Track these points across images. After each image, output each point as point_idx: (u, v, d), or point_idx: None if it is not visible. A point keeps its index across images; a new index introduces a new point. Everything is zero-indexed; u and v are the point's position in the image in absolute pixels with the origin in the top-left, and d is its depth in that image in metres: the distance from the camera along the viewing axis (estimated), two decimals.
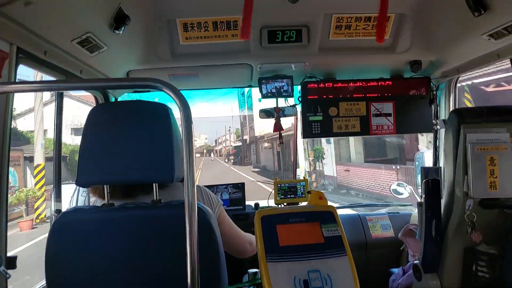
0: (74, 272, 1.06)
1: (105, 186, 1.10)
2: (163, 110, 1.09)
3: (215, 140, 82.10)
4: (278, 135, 2.42)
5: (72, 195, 1.55)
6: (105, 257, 1.07)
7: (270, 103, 2.36)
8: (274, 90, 2.28)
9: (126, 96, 2.42)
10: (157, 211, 1.09)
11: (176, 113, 0.95)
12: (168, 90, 0.86)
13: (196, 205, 0.86)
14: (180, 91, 0.88)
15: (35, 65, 1.39)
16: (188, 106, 0.87)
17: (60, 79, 1.55)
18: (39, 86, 0.94)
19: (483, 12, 1.45)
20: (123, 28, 1.50)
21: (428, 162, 2.48)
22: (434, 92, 2.35)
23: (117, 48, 1.71)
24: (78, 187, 1.63)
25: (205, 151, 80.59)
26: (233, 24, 1.82)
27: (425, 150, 2.60)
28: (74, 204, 1.60)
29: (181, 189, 1.24)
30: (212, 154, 75.41)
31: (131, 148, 1.05)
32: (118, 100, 2.29)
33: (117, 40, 1.61)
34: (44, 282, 1.07)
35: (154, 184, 1.08)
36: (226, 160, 43.40)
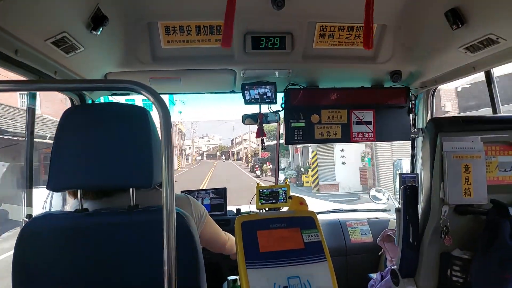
0: (44, 282, 1.01)
1: (78, 190, 1.06)
2: (142, 113, 1.06)
3: (231, 141, 75.75)
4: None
5: (45, 200, 1.49)
6: (77, 266, 1.02)
7: (253, 108, 2.38)
8: (257, 96, 2.28)
9: (103, 100, 2.36)
10: (134, 216, 1.05)
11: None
12: (146, 93, 0.84)
13: (174, 211, 0.84)
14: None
15: (5, 64, 1.33)
16: (167, 109, 0.85)
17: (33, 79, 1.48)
18: (9, 86, 0.89)
19: (460, 25, 1.50)
20: (101, 29, 1.46)
21: (406, 169, 2.54)
22: (413, 102, 2.42)
23: (95, 49, 1.66)
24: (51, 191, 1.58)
25: (218, 153, 76.24)
26: (217, 29, 1.81)
27: (402, 158, 2.66)
28: (47, 209, 1.54)
29: (158, 194, 1.21)
30: (223, 157, 69.90)
31: (107, 151, 1.02)
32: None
33: (95, 41, 1.56)
34: None
35: (131, 189, 1.05)
36: (250, 168, 27.26)
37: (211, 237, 1.42)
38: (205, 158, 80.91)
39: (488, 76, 1.97)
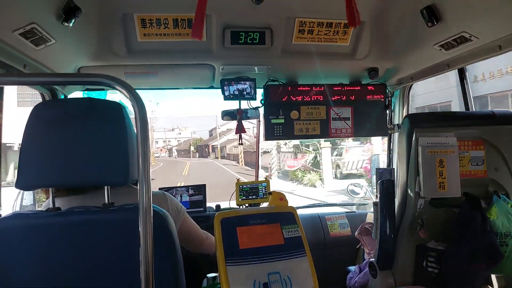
0: (14, 282, 0.96)
1: (50, 188, 1.02)
2: (117, 109, 1.03)
3: (210, 132, 56.33)
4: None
5: (15, 199, 1.42)
6: (49, 266, 0.98)
7: (232, 104, 2.34)
8: (236, 92, 2.26)
9: (77, 95, 2.27)
10: (109, 215, 1.02)
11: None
12: (121, 88, 0.81)
13: (151, 208, 0.82)
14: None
15: None
16: (143, 104, 0.82)
17: None
18: None
19: (436, 23, 1.53)
20: (73, 21, 1.40)
21: (383, 164, 2.59)
22: (390, 98, 2.47)
23: (67, 42, 1.59)
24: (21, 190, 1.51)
25: (192, 148, 55.56)
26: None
27: (380, 153, 2.72)
28: (17, 209, 1.48)
29: (133, 191, 1.18)
30: (198, 154, 51.56)
31: (80, 148, 0.98)
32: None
33: (67, 33, 1.50)
34: None
35: (105, 186, 1.02)
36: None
37: (189, 234, 1.40)
38: (174, 154, 61.17)
39: (461, 73, 2.03)
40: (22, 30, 1.32)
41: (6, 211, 1.61)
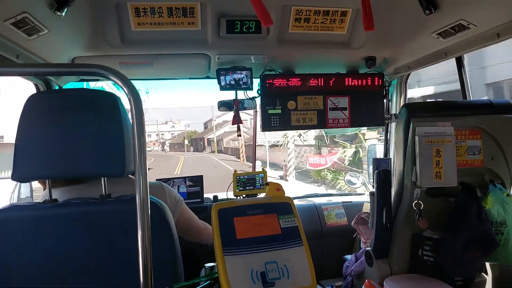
0: (13, 276, 0.97)
1: (47, 180, 1.01)
2: (112, 99, 1.02)
3: (205, 124, 53.26)
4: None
5: (12, 190, 1.42)
6: (47, 259, 0.99)
7: (229, 95, 2.33)
8: (233, 82, 2.24)
9: (71, 86, 2.25)
10: (106, 206, 1.02)
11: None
12: (115, 78, 0.80)
13: (148, 199, 0.82)
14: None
15: None
16: (138, 95, 0.82)
17: None
18: None
19: (433, 10, 1.51)
20: (65, 10, 1.37)
21: (379, 154, 2.60)
22: (387, 88, 2.46)
23: (60, 31, 1.56)
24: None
25: (186, 142, 52.40)
26: (190, 11, 1.74)
27: (376, 142, 2.72)
28: (15, 201, 1.48)
29: (130, 183, 1.18)
30: (192, 148, 48.74)
31: (76, 139, 0.97)
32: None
33: (60, 23, 1.47)
34: None
35: (102, 178, 1.02)
36: None
37: (187, 225, 1.40)
38: (167, 149, 58.56)
39: (459, 62, 2.02)
40: (13, 19, 1.30)
41: (3, 203, 1.61)
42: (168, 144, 60.84)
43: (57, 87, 2.06)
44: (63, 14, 1.38)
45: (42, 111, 1.00)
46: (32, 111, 0.99)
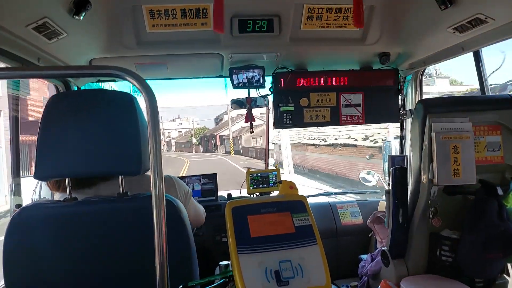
0: (35, 270, 1.01)
1: (66, 179, 1.04)
2: (128, 99, 1.04)
3: (216, 119, 45.58)
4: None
5: (34, 189, 1.46)
6: (68, 254, 1.02)
7: (241, 93, 2.33)
8: (245, 80, 2.25)
9: (89, 86, 2.30)
10: (124, 204, 1.05)
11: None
12: (131, 79, 0.82)
13: (164, 197, 0.83)
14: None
15: None
16: (153, 95, 0.83)
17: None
18: None
19: (449, 5, 1.48)
20: (83, 14, 1.42)
21: (395, 151, 2.55)
22: (402, 83, 2.41)
23: (78, 34, 1.61)
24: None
25: (194, 140, 43.62)
26: (203, 12, 1.76)
27: (391, 139, 2.67)
28: (36, 199, 1.52)
29: (148, 180, 1.20)
30: (201, 147, 40.69)
31: (94, 138, 1.00)
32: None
33: (78, 26, 1.52)
34: (3, 282, 1.01)
35: (120, 176, 1.04)
36: None
37: (195, 214, 1.43)
38: (172, 149, 52.00)
39: (477, 56, 1.97)
40: (35, 24, 1.35)
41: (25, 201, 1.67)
42: (174, 144, 54.60)
43: (75, 88, 2.12)
44: (81, 18, 1.42)
45: (62, 111, 1.03)
46: (53, 112, 1.03)
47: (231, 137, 30.73)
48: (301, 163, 18.61)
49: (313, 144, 17.74)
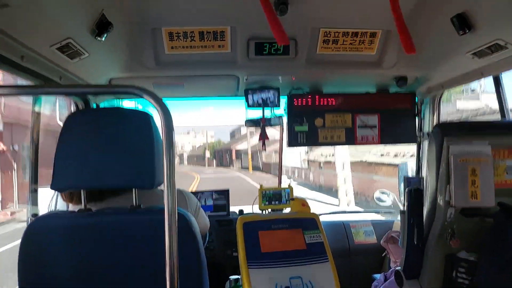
0: (49, 279, 1.02)
1: (82, 190, 1.07)
2: (144, 117, 1.08)
3: (232, 133, 42.26)
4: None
5: (50, 199, 1.51)
6: (81, 265, 1.03)
7: (256, 112, 2.36)
8: (260, 101, 2.28)
9: (107, 104, 2.38)
10: (137, 216, 1.06)
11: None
12: (148, 97, 0.85)
13: (176, 211, 0.84)
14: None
15: (11, 69, 1.36)
16: (169, 113, 0.86)
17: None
18: (15, 91, 0.91)
19: (467, 31, 1.48)
20: (105, 35, 1.48)
21: (411, 172, 2.51)
22: (419, 106, 2.40)
23: (99, 55, 1.68)
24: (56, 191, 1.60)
25: (208, 154, 40.93)
26: (220, 34, 1.81)
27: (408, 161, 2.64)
28: (52, 209, 1.56)
29: (158, 195, 1.22)
30: (215, 161, 38.34)
31: (110, 152, 1.03)
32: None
33: (99, 47, 1.58)
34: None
35: (133, 189, 1.06)
36: None
37: (203, 227, 1.43)
38: (184, 162, 49.96)
39: (497, 80, 1.95)
40: (58, 44, 1.42)
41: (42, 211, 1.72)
42: (186, 157, 52.51)
43: (94, 105, 2.20)
44: (103, 39, 1.49)
45: (81, 127, 1.07)
46: (71, 127, 1.07)
47: (249, 151, 26.86)
48: (362, 190, 12.37)
49: (382, 163, 12.04)
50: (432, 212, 1.47)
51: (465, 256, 1.36)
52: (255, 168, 25.18)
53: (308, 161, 19.29)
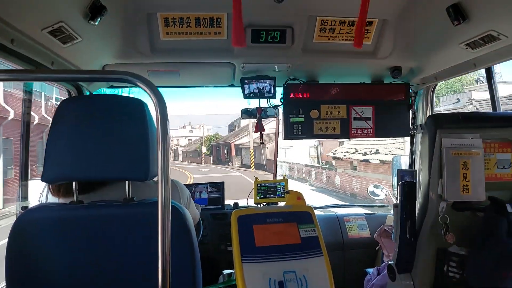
0: (38, 273, 1.00)
1: (73, 182, 1.05)
2: (138, 105, 1.05)
3: (230, 126, 39.78)
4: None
5: (41, 192, 1.48)
6: (72, 257, 1.01)
7: (252, 103, 2.35)
8: (256, 91, 2.27)
9: (102, 91, 2.34)
10: (130, 209, 1.04)
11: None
12: (143, 85, 0.83)
13: (170, 204, 0.83)
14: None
15: (1, 53, 1.31)
16: (164, 102, 0.84)
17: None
18: (5, 76, 0.87)
19: (462, 21, 1.48)
20: (99, 19, 1.44)
21: (404, 165, 2.53)
22: (413, 98, 2.41)
23: (93, 40, 1.64)
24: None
25: (204, 149, 36.77)
26: (217, 21, 1.79)
27: (401, 154, 2.65)
28: (43, 201, 1.55)
29: (152, 187, 1.20)
30: (212, 157, 34.97)
31: (103, 143, 1.00)
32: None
33: (93, 32, 1.54)
34: (4, 283, 1.01)
35: (127, 181, 1.04)
36: None
37: (193, 217, 1.43)
38: (179, 158, 47.83)
39: (489, 73, 1.96)
40: (50, 28, 1.37)
41: (32, 204, 1.69)
42: (181, 153, 49.62)
43: (87, 93, 2.15)
44: (96, 23, 1.45)
45: (73, 115, 1.03)
46: (63, 115, 1.03)
47: (251, 146, 23.39)
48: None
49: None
50: (424, 206, 1.48)
51: (456, 250, 1.38)
52: (258, 166, 22.33)
53: (334, 158, 14.57)
